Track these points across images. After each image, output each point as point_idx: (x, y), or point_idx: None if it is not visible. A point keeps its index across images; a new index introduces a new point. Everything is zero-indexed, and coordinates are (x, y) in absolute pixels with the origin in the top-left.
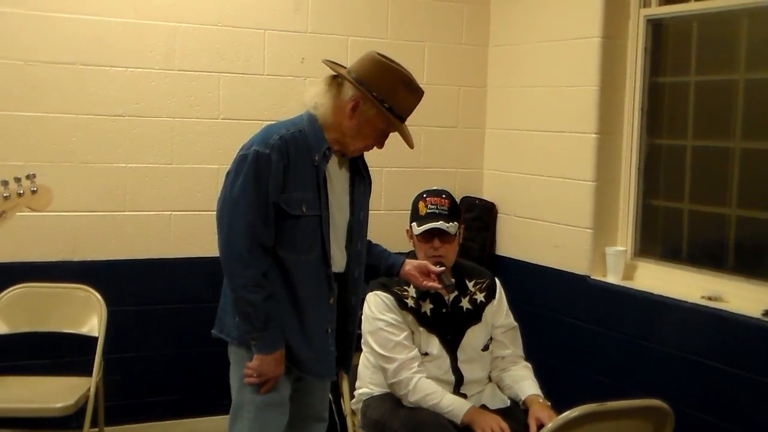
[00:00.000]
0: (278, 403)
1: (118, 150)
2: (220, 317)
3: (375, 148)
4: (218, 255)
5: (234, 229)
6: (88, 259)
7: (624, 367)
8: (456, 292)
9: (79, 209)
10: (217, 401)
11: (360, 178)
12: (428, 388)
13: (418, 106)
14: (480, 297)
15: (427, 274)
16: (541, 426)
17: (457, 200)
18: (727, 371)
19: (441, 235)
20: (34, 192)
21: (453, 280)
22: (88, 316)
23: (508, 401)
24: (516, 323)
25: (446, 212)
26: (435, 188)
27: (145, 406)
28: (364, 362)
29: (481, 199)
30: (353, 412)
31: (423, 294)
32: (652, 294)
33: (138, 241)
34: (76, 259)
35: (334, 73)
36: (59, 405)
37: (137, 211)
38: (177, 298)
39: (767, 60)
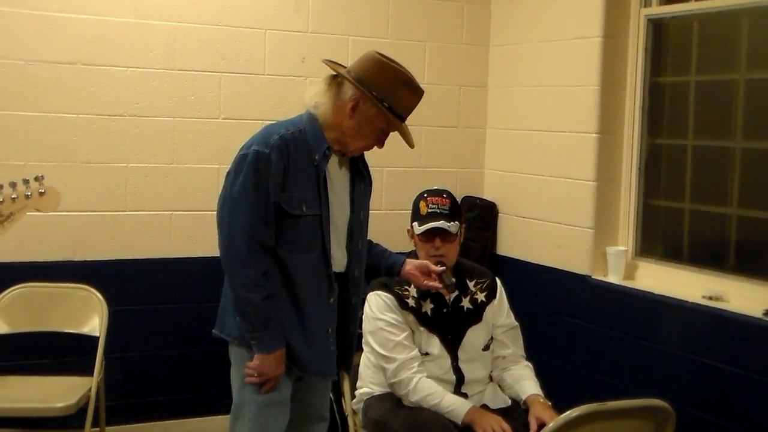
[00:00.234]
0: (279, 402)
1: (118, 150)
2: (221, 317)
3: (375, 147)
4: (219, 255)
5: (234, 228)
6: (89, 259)
7: (625, 366)
8: (457, 292)
9: (79, 209)
10: (218, 401)
11: (360, 177)
12: (429, 388)
13: (418, 106)
14: (481, 297)
15: (427, 273)
16: (542, 426)
17: (458, 200)
18: (728, 371)
19: (442, 235)
20: (42, 194)
21: (454, 279)
22: (89, 315)
23: (509, 401)
24: (517, 323)
25: (447, 212)
26: (436, 188)
27: (146, 405)
28: (365, 362)
29: (481, 199)
30: (354, 412)
31: (424, 294)
32: (653, 294)
33: (139, 241)
34: (77, 259)
35: (334, 73)
36: (60, 405)
37: (138, 211)
38: (178, 298)
39: None
